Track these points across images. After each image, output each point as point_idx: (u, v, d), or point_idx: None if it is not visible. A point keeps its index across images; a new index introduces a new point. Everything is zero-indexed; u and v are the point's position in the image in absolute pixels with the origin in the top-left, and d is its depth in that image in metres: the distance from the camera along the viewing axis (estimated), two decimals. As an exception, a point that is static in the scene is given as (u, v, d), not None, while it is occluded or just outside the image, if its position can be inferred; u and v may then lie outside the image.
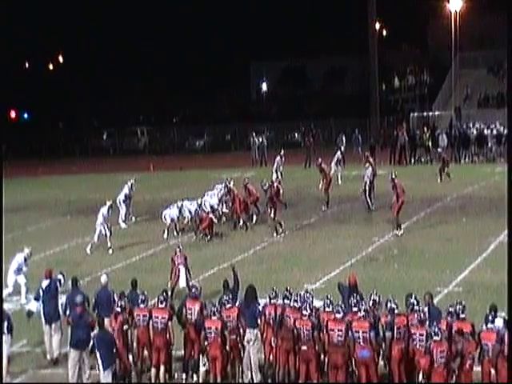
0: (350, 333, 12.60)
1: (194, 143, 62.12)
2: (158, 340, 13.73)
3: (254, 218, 27.00)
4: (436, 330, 12.01)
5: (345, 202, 30.48)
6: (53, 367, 15.04)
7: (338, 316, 12.72)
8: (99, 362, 13.19)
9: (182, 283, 17.47)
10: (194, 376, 13.87)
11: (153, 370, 13.81)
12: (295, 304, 13.30)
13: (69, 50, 74.88)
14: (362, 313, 12.70)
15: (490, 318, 12.17)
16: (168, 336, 13.77)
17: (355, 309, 12.91)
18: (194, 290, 14.29)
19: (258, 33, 68.76)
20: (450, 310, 12.56)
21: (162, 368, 13.71)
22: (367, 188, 28.29)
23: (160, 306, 13.85)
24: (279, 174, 34.71)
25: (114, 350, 13.32)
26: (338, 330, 12.62)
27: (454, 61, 54.13)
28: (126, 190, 28.17)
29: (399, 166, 41.55)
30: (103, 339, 13.28)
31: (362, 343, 12.50)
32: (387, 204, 30.04)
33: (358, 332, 12.53)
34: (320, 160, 30.33)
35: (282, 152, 36.09)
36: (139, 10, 69.09)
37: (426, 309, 13.02)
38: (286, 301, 13.57)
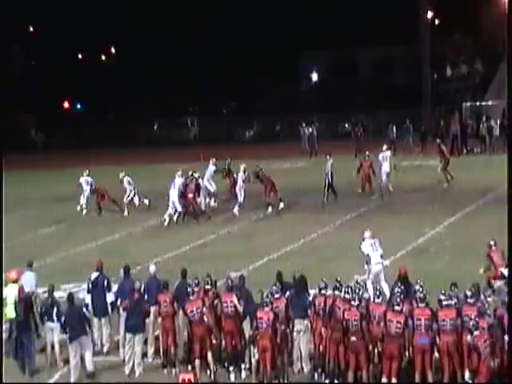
0: (409, 321, 12.56)
1: (244, 133, 62.19)
2: (228, 325, 13.86)
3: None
4: (474, 323, 11.98)
5: (395, 193, 30.21)
6: (104, 355, 15.24)
7: (397, 308, 12.68)
8: (67, 335, 14.05)
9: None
10: (242, 366, 13.94)
11: (206, 358, 13.85)
12: (346, 295, 13.25)
13: (121, 42, 75.53)
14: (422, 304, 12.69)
15: None
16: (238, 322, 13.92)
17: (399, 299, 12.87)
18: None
19: (307, 23, 68.41)
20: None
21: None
22: (327, 181, 28.54)
23: (227, 292, 14.00)
24: None
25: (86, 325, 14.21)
26: (397, 322, 12.61)
27: (508, 49, 53.06)
28: (179, 182, 26.90)
29: (451, 157, 41.06)
30: (72, 313, 14.09)
31: (422, 330, 12.48)
32: (438, 195, 29.79)
33: (420, 320, 12.53)
34: (439, 141, 33.11)
35: None
36: (189, 1, 69.25)
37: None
38: (337, 292, 13.53)
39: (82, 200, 29.53)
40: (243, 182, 27.39)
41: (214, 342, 14.10)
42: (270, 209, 27.47)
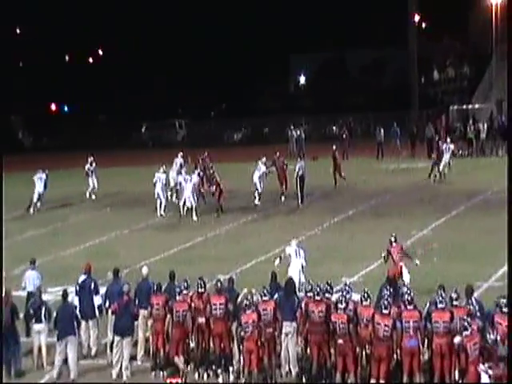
0: (397, 323, 12.58)
1: (232, 136, 62.23)
2: (217, 327, 13.81)
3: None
4: (465, 324, 11.98)
5: (382, 196, 30.29)
6: (91, 358, 15.18)
7: (385, 311, 12.71)
8: (56, 332, 14.08)
9: (406, 279, 16.67)
10: (230, 368, 13.93)
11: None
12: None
13: (108, 44, 75.38)
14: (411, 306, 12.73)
15: None
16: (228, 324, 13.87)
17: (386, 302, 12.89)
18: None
19: (296, 25, 68.50)
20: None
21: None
22: (298, 182, 28.85)
23: (217, 294, 13.96)
24: None
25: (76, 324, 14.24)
26: (385, 325, 12.62)
27: (495, 53, 53.39)
28: (163, 178, 28.51)
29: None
30: (64, 311, 14.17)
31: (411, 333, 12.51)
32: (426, 197, 29.87)
33: (409, 322, 12.55)
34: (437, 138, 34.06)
35: None
36: (176, 3, 69.13)
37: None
38: (328, 294, 13.50)
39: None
40: (263, 173, 28.97)
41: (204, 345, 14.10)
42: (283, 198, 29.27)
